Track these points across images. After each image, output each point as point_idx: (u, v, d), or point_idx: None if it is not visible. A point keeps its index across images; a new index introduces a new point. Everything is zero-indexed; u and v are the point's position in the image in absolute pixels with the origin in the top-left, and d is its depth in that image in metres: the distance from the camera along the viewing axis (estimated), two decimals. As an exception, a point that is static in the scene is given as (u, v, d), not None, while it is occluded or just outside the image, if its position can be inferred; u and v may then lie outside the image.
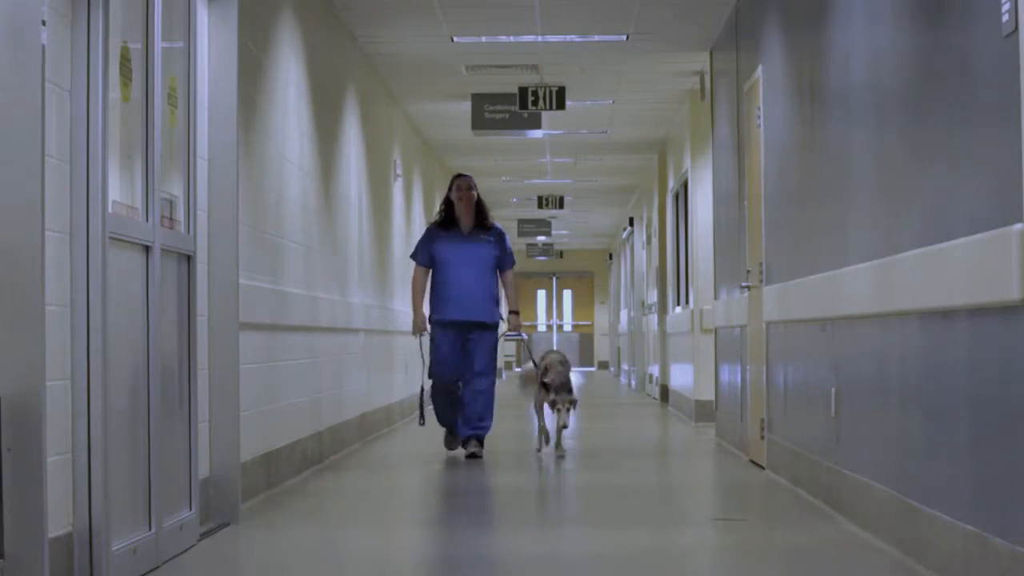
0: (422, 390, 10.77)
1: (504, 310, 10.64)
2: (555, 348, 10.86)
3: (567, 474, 8.97)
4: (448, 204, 10.42)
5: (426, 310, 10.53)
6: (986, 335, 4.49)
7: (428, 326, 10.30)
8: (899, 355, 5.56)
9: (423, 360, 10.43)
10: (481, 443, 10.14)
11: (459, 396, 10.26)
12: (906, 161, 5.43)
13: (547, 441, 10.48)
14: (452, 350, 10.19)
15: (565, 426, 10.05)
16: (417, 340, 10.89)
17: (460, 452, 10.38)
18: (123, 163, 5.33)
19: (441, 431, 11.06)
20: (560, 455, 10.07)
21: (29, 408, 4.38)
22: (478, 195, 10.43)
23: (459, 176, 10.51)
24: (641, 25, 11.24)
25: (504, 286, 10.43)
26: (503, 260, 10.37)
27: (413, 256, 10.43)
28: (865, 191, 6.14)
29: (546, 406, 10.27)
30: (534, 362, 10.64)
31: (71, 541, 4.78)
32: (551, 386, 10.10)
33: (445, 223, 10.37)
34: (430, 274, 10.34)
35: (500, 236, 10.39)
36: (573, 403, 10.09)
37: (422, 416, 10.63)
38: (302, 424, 9.02)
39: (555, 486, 8.17)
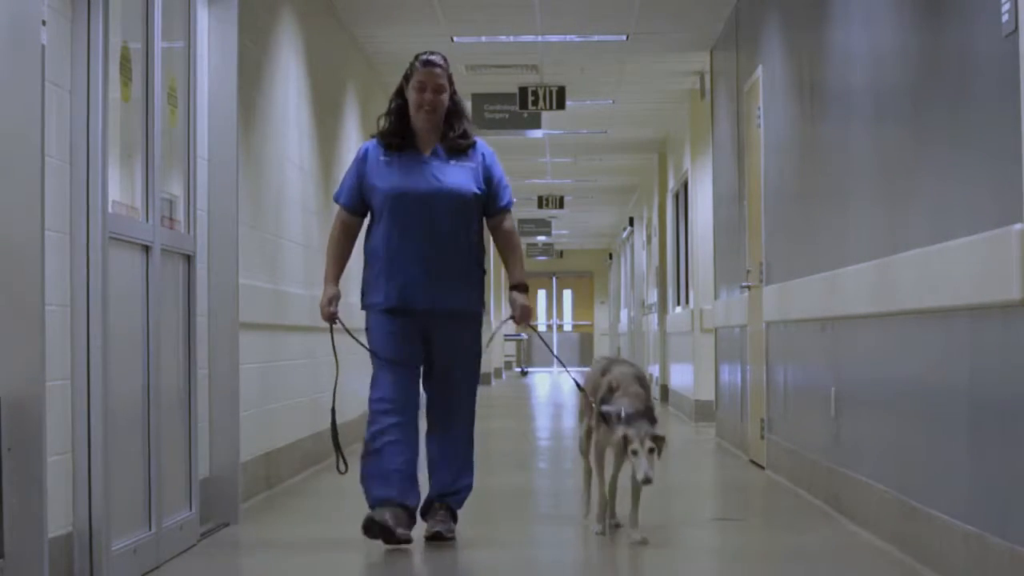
0: (333, 415, 5.99)
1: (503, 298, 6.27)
2: (619, 357, 6.73)
3: (566, 474, 8.95)
4: (400, 107, 5.94)
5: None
6: (986, 335, 4.49)
7: (337, 314, 5.91)
8: (899, 355, 5.56)
9: (336, 364, 6.04)
10: (454, 515, 5.98)
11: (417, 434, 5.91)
12: (906, 161, 5.43)
13: (607, 511, 6.16)
14: (405, 339, 5.87)
15: (647, 481, 5.63)
16: (327, 330, 6.04)
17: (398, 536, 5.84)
18: (123, 163, 5.34)
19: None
20: (640, 540, 5.82)
21: (29, 408, 4.37)
22: (452, 94, 5.95)
23: (423, 61, 5.89)
24: (641, 25, 11.24)
25: (498, 243, 6.02)
26: (494, 199, 5.95)
27: (337, 197, 6.04)
28: (865, 191, 6.14)
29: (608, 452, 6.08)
30: (569, 373, 6.67)
31: (71, 541, 4.78)
32: (618, 416, 5.75)
33: (392, 139, 5.92)
34: (364, 227, 6.02)
35: (487, 159, 5.95)
36: (660, 441, 5.70)
37: (340, 458, 5.95)
38: (302, 424, 9.02)
39: (554, 486, 8.16)
